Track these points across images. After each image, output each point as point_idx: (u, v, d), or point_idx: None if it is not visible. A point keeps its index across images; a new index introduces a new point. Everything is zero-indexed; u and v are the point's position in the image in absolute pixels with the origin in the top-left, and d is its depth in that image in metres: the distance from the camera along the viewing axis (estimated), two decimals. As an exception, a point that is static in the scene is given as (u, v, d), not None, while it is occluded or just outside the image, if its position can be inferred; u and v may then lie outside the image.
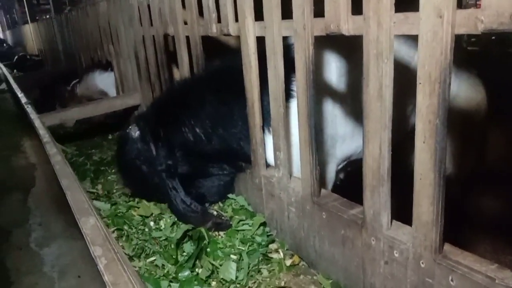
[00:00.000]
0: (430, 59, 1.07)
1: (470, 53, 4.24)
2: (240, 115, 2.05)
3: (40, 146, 4.67)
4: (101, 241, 1.21)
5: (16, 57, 10.80)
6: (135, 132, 2.11)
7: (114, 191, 2.74)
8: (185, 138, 2.08)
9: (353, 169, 2.42)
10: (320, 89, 1.96)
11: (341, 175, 2.40)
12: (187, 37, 2.44)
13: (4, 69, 8.64)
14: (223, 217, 2.07)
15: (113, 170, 3.09)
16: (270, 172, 1.93)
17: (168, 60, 2.85)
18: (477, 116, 2.52)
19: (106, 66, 4.40)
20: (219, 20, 2.07)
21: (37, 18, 13.83)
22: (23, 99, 3.87)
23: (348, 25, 1.31)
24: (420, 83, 1.11)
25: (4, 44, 20.18)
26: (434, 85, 1.08)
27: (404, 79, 1.47)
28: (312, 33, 1.46)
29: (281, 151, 1.78)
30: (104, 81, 4.34)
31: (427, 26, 1.06)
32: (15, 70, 10.22)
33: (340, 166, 2.29)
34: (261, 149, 1.94)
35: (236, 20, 1.91)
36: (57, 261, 2.57)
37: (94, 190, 2.74)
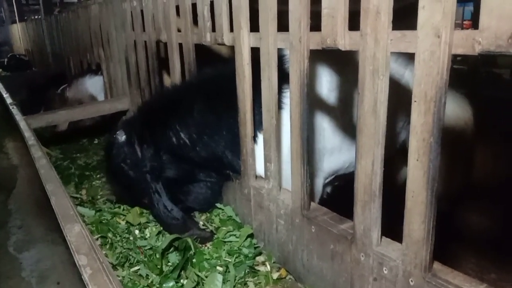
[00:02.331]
0: (427, 78, 1.08)
1: (457, 71, 4.31)
2: (226, 124, 2.04)
3: (23, 147, 4.58)
4: (86, 249, 1.18)
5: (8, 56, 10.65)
6: (121, 137, 2.09)
7: (99, 197, 2.69)
8: (170, 142, 2.07)
9: (340, 184, 2.42)
10: (310, 102, 1.96)
11: (328, 189, 2.40)
12: (180, 44, 2.43)
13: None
14: (206, 229, 2.05)
15: (98, 176, 3.04)
16: (260, 183, 1.92)
17: (159, 66, 2.83)
18: (465, 134, 2.55)
19: (97, 70, 4.35)
20: (213, 29, 2.07)
21: (25, 18, 13.66)
22: (8, 100, 3.79)
23: (344, 41, 1.32)
24: (415, 101, 1.12)
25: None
26: (429, 104, 1.08)
27: (395, 96, 1.48)
28: (308, 47, 1.46)
29: (272, 162, 1.77)
30: (94, 85, 4.29)
31: (424, 45, 1.07)
32: (0, 70, 10.07)
33: (327, 180, 2.29)
34: (251, 159, 1.93)
35: (231, 30, 1.90)
36: (37, 266, 2.50)
37: (78, 195, 2.69)
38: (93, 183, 2.92)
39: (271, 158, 1.77)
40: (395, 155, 2.34)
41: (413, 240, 1.20)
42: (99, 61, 3.95)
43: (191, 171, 2.15)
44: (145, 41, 2.85)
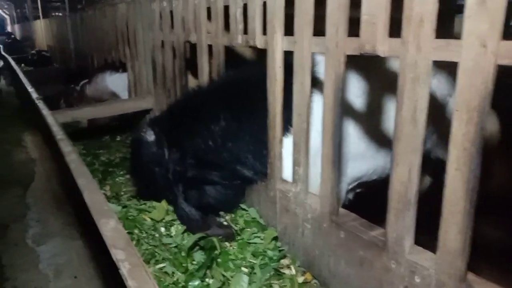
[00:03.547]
0: (470, 87, 1.07)
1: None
2: (249, 129, 2.06)
3: (41, 141, 4.65)
4: (123, 244, 1.19)
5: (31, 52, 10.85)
6: (150, 136, 2.11)
7: (122, 193, 2.72)
8: (197, 147, 2.09)
9: (363, 191, 2.42)
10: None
11: (350, 196, 2.40)
12: (209, 46, 2.45)
13: (13, 62, 8.64)
14: (228, 227, 2.06)
15: (121, 172, 3.07)
16: (287, 186, 1.92)
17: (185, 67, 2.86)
18: (490, 145, 2.53)
19: (117, 67, 4.40)
20: (245, 32, 2.08)
21: (53, 14, 13.89)
22: (34, 94, 3.85)
23: (384, 47, 1.32)
24: (457, 110, 1.11)
25: (12, 36, 20.25)
26: (472, 113, 1.08)
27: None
28: (344, 52, 1.46)
29: (301, 166, 1.78)
30: (114, 82, 4.33)
31: (469, 54, 1.07)
32: (22, 64, 10.25)
33: (350, 187, 2.29)
34: (279, 162, 1.94)
35: (264, 33, 1.92)
36: (53, 260, 2.54)
37: (103, 191, 2.72)
38: (117, 179, 2.95)
39: (300, 162, 1.78)
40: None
41: (448, 250, 1.19)
42: (124, 60, 4.00)
43: (214, 174, 2.17)
44: (173, 41, 2.88)
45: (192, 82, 3.03)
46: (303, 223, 1.79)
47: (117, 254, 1.15)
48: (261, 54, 2.90)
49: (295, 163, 1.81)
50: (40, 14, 12.40)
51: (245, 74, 2.18)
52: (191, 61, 2.87)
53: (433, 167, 2.70)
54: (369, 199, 2.54)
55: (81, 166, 1.85)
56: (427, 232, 1.41)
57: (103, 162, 3.28)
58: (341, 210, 1.66)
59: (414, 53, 1.21)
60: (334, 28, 1.47)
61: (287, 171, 1.96)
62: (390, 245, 1.38)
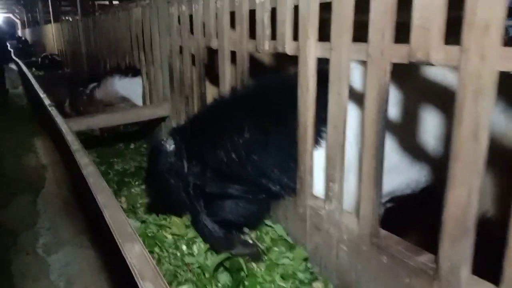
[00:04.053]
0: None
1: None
2: (275, 141, 1.93)
3: (52, 147, 4.60)
4: (151, 275, 1.07)
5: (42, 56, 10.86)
6: (170, 146, 2.00)
7: (139, 205, 2.62)
8: (219, 160, 1.97)
9: (394, 206, 2.28)
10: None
11: (382, 211, 2.26)
12: (232, 52, 2.33)
13: (24, 67, 8.62)
14: (253, 246, 1.93)
15: (136, 182, 2.97)
16: (318, 203, 1.79)
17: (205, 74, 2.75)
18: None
19: (126, 72, 4.29)
20: (273, 37, 1.96)
21: (62, 18, 13.91)
22: (46, 101, 3.76)
23: (439, 55, 1.19)
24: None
25: (23, 40, 20.35)
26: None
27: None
28: (390, 60, 1.33)
29: (336, 182, 1.65)
30: (125, 87, 4.22)
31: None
32: (33, 68, 10.24)
33: (382, 201, 2.15)
34: (309, 177, 1.81)
35: (295, 38, 1.80)
36: (65, 270, 2.45)
37: (119, 203, 2.61)
38: (132, 190, 2.85)
39: (335, 178, 1.65)
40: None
41: (517, 285, 1.06)
42: (139, 65, 3.90)
43: (237, 188, 2.04)
44: (192, 47, 2.76)
45: (209, 89, 2.91)
46: (338, 244, 1.66)
47: (145, 287, 1.03)
48: (282, 61, 2.79)
49: (329, 179, 1.68)
50: (51, 18, 12.42)
51: (271, 82, 2.06)
52: (208, 68, 2.76)
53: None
54: (402, 215, 2.40)
55: (99, 180, 1.73)
56: (482, 259, 1.28)
57: (118, 172, 3.17)
58: (382, 231, 1.52)
59: (477, 63, 1.08)
60: (379, 34, 1.34)
61: (317, 187, 1.84)
62: (443, 274, 1.24)
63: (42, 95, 4.19)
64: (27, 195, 3.43)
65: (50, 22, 13.35)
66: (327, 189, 1.70)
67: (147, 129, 3.79)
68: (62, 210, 3.19)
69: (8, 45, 13.70)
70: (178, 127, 2.18)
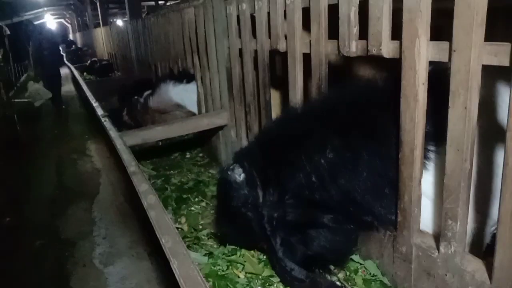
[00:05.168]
0: None
1: None
2: (366, 162, 1.58)
3: (106, 150, 4.52)
4: None
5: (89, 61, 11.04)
6: (239, 175, 1.71)
7: (200, 227, 2.37)
8: (298, 184, 1.65)
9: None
10: (494, 131, 1.46)
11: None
12: (305, 55, 2.01)
13: (76, 72, 8.72)
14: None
15: (196, 199, 2.73)
16: (428, 241, 1.44)
17: (270, 80, 2.43)
18: None
19: (180, 78, 4.07)
20: (361, 37, 1.63)
21: (111, 21, 14.10)
22: (99, 111, 3.61)
23: None
24: None
25: (73, 46, 20.97)
26: None
27: None
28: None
29: (458, 220, 1.29)
30: (179, 94, 4.00)
31: None
32: (85, 73, 10.39)
33: (493, 229, 1.77)
34: (416, 209, 1.46)
35: (395, 38, 1.45)
36: (122, 284, 2.27)
37: (179, 226, 2.38)
38: (192, 208, 2.61)
39: (456, 215, 1.29)
40: None
41: None
42: (193, 70, 3.66)
43: (319, 215, 1.72)
44: (254, 50, 2.46)
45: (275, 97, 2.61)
46: (461, 297, 1.31)
47: None
48: (353, 64, 2.41)
49: (448, 215, 1.32)
50: (100, 21, 12.58)
51: (358, 90, 1.72)
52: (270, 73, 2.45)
53: None
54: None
55: (162, 215, 1.47)
56: None
57: (176, 186, 2.94)
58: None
59: None
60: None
61: (424, 221, 1.49)
62: None
63: (95, 104, 4.06)
64: (82, 202, 3.35)
65: (99, 25, 13.56)
66: (444, 227, 1.34)
67: (202, 137, 3.55)
68: (118, 218, 3.08)
69: (61, 49, 14.09)
70: (245, 150, 1.88)
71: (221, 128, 3.13)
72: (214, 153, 3.38)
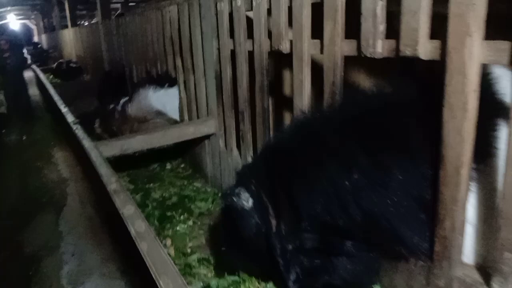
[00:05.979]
0: None
1: None
2: (396, 183, 1.35)
3: (73, 158, 4.19)
4: None
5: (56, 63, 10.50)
6: (247, 201, 1.45)
7: (189, 250, 2.09)
8: (315, 209, 1.41)
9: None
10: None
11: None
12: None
13: (41, 75, 8.22)
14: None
15: (181, 217, 2.45)
16: (473, 275, 1.23)
17: (269, 85, 2.19)
18: None
19: (162, 81, 3.74)
20: (388, 35, 1.41)
21: (78, 23, 13.56)
22: (69, 117, 3.26)
23: None
24: None
25: (38, 46, 20.15)
26: None
27: None
28: None
29: (519, 254, 1.08)
30: (160, 99, 3.66)
31: None
32: (51, 76, 9.85)
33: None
34: (460, 238, 1.25)
35: (436, 37, 1.24)
36: None
37: (163, 246, 2.10)
38: (177, 228, 2.33)
39: (518, 247, 1.08)
40: None
41: None
42: (174, 73, 3.36)
43: (339, 241, 1.48)
44: (250, 51, 2.22)
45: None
46: None
47: None
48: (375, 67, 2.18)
49: (505, 247, 1.11)
50: (69, 23, 12.03)
51: (385, 98, 1.49)
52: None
53: None
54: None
55: (154, 244, 1.21)
56: None
57: (158, 202, 2.65)
58: None
59: None
60: None
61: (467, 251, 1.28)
62: None
63: (64, 109, 3.70)
64: (49, 214, 3.06)
65: (66, 27, 13.00)
66: (500, 260, 1.13)
67: (183, 146, 3.25)
68: (87, 232, 2.79)
69: (25, 52, 13.42)
70: (249, 169, 1.61)
71: (207, 137, 2.86)
72: (199, 164, 3.09)
